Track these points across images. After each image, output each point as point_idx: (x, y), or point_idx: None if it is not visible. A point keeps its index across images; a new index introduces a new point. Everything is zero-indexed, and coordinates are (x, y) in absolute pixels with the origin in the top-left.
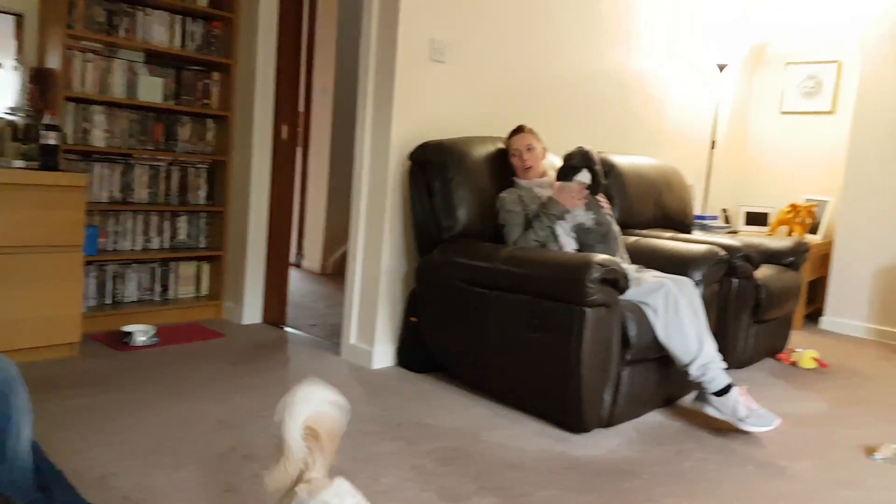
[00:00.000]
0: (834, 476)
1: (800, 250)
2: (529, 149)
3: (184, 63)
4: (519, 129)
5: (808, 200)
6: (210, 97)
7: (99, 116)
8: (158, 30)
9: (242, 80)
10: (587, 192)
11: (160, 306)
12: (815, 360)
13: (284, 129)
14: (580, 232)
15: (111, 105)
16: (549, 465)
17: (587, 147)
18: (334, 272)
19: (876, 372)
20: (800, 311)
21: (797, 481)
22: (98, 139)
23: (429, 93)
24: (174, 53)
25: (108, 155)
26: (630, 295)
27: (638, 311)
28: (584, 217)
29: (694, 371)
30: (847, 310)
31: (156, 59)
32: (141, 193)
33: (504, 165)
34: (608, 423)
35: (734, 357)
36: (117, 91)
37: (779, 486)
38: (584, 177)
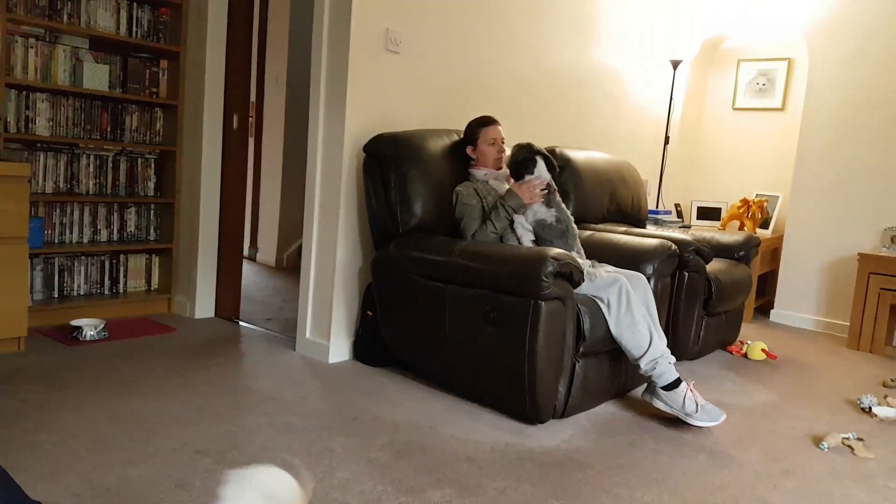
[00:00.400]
0: (781, 465)
1: (750, 244)
2: (503, 141)
3: (130, 50)
4: (494, 120)
5: (759, 196)
6: (158, 86)
7: (42, 104)
8: (104, 15)
9: (191, 68)
10: (547, 188)
11: (110, 300)
12: (765, 351)
13: (235, 119)
14: (541, 227)
15: (55, 92)
16: (503, 457)
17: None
18: (290, 266)
19: (823, 363)
20: (750, 303)
21: (746, 470)
22: (42, 128)
23: (383, 84)
24: (120, 40)
25: (52, 144)
26: (585, 289)
27: (592, 305)
28: (545, 213)
29: (644, 365)
30: (796, 303)
31: (101, 45)
32: (87, 184)
33: (459, 158)
34: (562, 414)
35: (686, 349)
36: (61, 78)
37: (728, 475)
38: (542, 169)
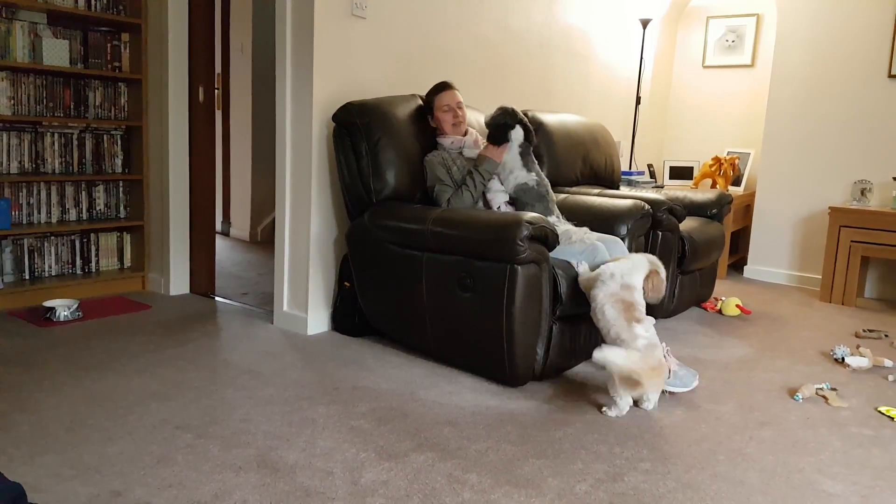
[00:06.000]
0: (757, 417)
1: (723, 202)
2: (460, 105)
3: (90, 24)
4: (447, 85)
5: (730, 153)
6: (120, 60)
7: (2, 83)
8: None
9: (154, 40)
10: (521, 147)
11: (82, 280)
12: (739, 307)
13: (201, 92)
14: (522, 192)
15: (14, 70)
16: (484, 419)
17: (506, 105)
18: (264, 240)
19: (796, 317)
20: (724, 260)
21: (723, 423)
22: (3, 107)
23: (350, 50)
24: (79, 14)
25: (14, 123)
26: (562, 254)
27: (568, 268)
28: (526, 177)
29: None
30: (769, 258)
31: (59, 20)
32: (53, 163)
33: (428, 124)
34: (541, 375)
35: (661, 307)
36: (19, 55)
37: (705, 428)
38: (518, 134)
